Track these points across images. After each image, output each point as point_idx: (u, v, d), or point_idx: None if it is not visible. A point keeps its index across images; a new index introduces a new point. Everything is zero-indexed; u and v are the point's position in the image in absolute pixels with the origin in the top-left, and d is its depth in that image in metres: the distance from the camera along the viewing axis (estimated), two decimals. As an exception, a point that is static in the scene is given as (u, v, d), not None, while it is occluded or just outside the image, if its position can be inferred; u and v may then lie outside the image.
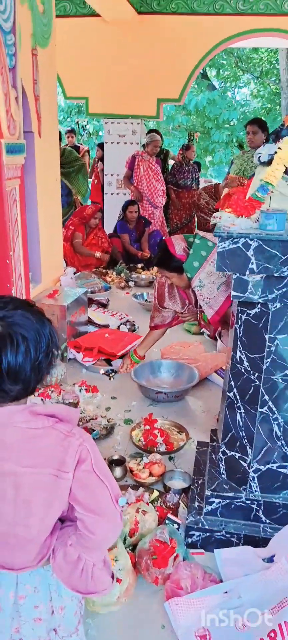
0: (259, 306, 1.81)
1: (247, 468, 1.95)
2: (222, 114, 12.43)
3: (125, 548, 1.90)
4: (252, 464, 1.93)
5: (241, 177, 4.75)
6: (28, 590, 1.14)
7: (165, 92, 7.13)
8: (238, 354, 1.91)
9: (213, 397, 3.16)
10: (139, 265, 5.98)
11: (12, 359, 1.00)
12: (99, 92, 7.13)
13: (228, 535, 1.94)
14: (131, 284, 5.48)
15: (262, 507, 1.94)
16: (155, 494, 2.25)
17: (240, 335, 1.90)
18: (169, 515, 2.05)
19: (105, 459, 2.46)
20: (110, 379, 3.36)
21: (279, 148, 1.76)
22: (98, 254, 5.83)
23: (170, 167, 7.32)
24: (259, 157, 1.84)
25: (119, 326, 4.08)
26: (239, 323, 1.89)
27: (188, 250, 2.63)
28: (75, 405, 3.00)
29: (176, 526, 2.00)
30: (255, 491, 1.95)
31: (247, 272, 1.72)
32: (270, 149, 1.80)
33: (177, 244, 2.66)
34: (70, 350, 3.55)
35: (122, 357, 3.48)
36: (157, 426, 2.76)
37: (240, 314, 1.88)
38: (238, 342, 1.90)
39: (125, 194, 7.24)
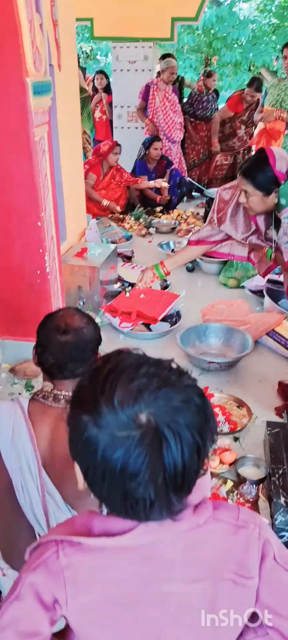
0: None
1: None
2: (231, 32, 11.54)
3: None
4: None
5: (279, 110, 4.32)
6: None
7: (180, 11, 6.50)
8: None
9: (267, 363, 2.94)
10: (158, 209, 5.61)
11: (178, 457, 0.72)
12: (106, 12, 6.48)
13: None
14: (152, 230, 5.14)
15: None
16: (229, 484, 2.06)
17: None
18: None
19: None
20: (125, 293, 3.25)
21: None
22: (105, 202, 5.38)
23: (187, 96, 6.77)
24: None
25: (151, 283, 3.80)
26: None
27: None
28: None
29: (262, 528, 1.82)
30: None
31: None
32: None
33: (280, 159, 2.16)
34: (105, 315, 3.29)
35: (163, 320, 3.24)
36: (215, 401, 2.56)
37: None
38: None
39: (137, 128, 6.76)
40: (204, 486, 0.84)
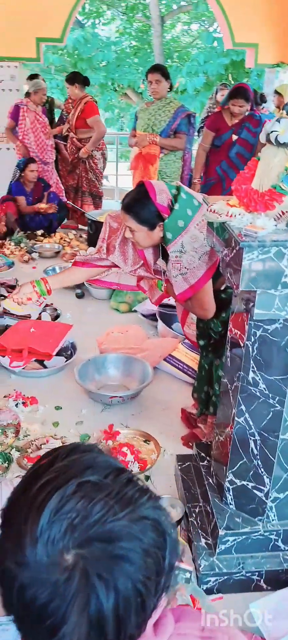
0: (281, 321, 1.56)
1: (263, 498, 1.74)
2: (96, 54, 11.67)
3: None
4: (270, 494, 1.72)
5: (152, 134, 4.36)
6: None
7: (44, 31, 6.34)
8: (252, 375, 1.65)
9: (168, 389, 2.92)
10: (39, 233, 5.36)
11: (108, 612, 0.57)
12: None
13: (248, 574, 1.74)
14: (35, 255, 4.88)
15: (282, 535, 1.76)
16: (146, 532, 1.94)
17: (253, 354, 1.63)
18: (178, 564, 1.77)
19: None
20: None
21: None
22: None
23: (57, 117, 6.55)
24: (275, 136, 1.52)
25: (40, 314, 3.56)
26: (252, 340, 1.62)
27: (172, 205, 2.06)
28: (16, 426, 2.52)
29: (188, 574, 1.74)
30: (273, 520, 1.76)
31: (279, 287, 1.45)
32: (290, 128, 1.50)
33: (160, 192, 2.06)
34: (-8, 355, 2.98)
35: (57, 354, 3.04)
36: (121, 439, 2.44)
37: (253, 330, 1.61)
38: (252, 362, 1.64)
39: (8, 149, 6.42)
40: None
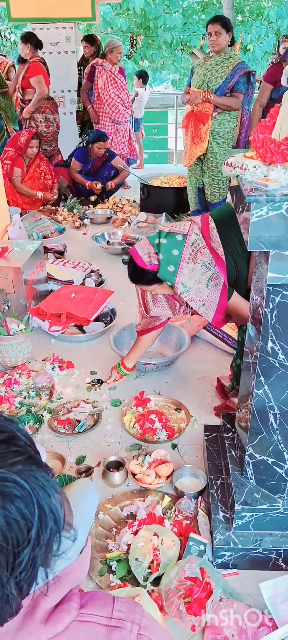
0: (301, 286, 1.43)
1: (284, 475, 1.64)
2: (163, 16, 11.35)
3: (147, 584, 1.59)
4: (290, 470, 1.62)
5: (206, 91, 4.11)
6: None
7: (100, -12, 6.25)
8: (271, 344, 1.54)
9: (206, 358, 2.83)
10: (92, 198, 5.36)
11: None
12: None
13: (265, 552, 1.66)
14: (86, 221, 4.91)
15: (303, 515, 1.65)
16: (166, 500, 1.91)
17: (272, 322, 1.51)
18: (193, 535, 1.72)
19: (99, 464, 2.10)
20: (96, 390, 2.62)
21: None
22: (40, 194, 5.20)
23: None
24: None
25: (84, 280, 3.59)
26: (271, 307, 1.50)
27: (157, 255, 2.07)
28: (50, 389, 2.56)
29: (202, 547, 1.69)
30: (294, 498, 1.66)
31: (293, 248, 1.32)
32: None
33: (143, 253, 2.10)
34: (33, 319, 3.05)
35: (97, 319, 3.05)
36: (151, 406, 2.41)
37: (272, 296, 1.49)
38: (271, 331, 1.52)
39: (65, 113, 6.46)
40: (74, 575, 0.67)
